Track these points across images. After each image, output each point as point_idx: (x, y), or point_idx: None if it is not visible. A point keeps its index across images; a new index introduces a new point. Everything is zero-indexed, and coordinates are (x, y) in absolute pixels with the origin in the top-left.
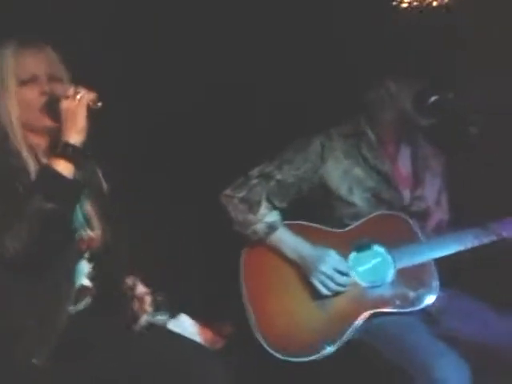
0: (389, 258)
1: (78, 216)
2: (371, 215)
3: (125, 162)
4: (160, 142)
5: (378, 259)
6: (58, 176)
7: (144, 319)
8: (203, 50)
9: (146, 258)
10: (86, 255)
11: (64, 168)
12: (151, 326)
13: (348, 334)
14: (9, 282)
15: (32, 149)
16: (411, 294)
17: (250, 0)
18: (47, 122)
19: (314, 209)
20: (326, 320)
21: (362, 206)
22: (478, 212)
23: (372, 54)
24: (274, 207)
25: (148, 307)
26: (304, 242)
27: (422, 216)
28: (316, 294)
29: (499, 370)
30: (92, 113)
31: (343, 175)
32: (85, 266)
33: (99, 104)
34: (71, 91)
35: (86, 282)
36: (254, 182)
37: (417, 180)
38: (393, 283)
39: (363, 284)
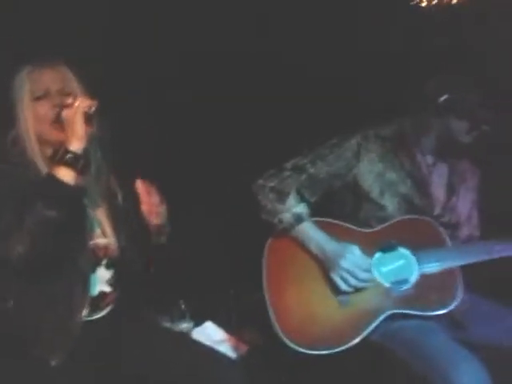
0: (414, 260)
1: (93, 223)
2: (400, 218)
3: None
4: (188, 136)
5: (403, 261)
6: (58, 183)
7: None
8: (241, 45)
9: (171, 266)
10: (104, 262)
11: (64, 175)
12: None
13: (366, 333)
14: (24, 286)
15: (46, 161)
16: (433, 298)
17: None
18: (58, 136)
19: (342, 207)
20: (345, 316)
21: (392, 211)
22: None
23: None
24: (303, 200)
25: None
26: (328, 237)
27: (452, 228)
28: (337, 290)
29: None
30: (89, 119)
31: (376, 178)
32: (104, 273)
33: (93, 109)
34: (70, 100)
35: (106, 288)
36: (287, 173)
37: (451, 192)
38: (416, 286)
39: (386, 284)
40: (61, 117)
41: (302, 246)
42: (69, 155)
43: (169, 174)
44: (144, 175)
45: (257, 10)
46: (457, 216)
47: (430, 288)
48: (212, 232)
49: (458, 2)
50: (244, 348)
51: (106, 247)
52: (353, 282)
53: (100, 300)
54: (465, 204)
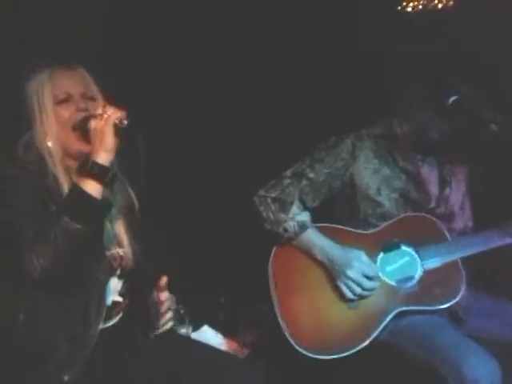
0: (416, 257)
1: (110, 234)
2: (399, 217)
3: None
4: (189, 148)
5: (406, 259)
6: (85, 196)
7: (166, 321)
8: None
9: (170, 270)
10: (117, 272)
11: (92, 188)
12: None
13: (377, 333)
14: (40, 300)
15: (68, 171)
16: (439, 293)
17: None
18: (83, 146)
19: (341, 209)
20: (354, 319)
21: (389, 206)
22: (499, 217)
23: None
24: (306, 207)
25: (167, 312)
26: (333, 243)
27: (447, 219)
28: (344, 295)
29: None
30: (120, 132)
31: (372, 174)
32: (116, 283)
33: (125, 122)
34: (99, 110)
35: (118, 298)
36: (287, 181)
37: (443, 183)
38: (421, 282)
39: (391, 283)
40: (86, 125)
41: (308, 253)
42: (97, 168)
43: (169, 183)
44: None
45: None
46: (451, 207)
47: (434, 283)
48: (211, 240)
49: (443, 7)
50: (243, 352)
51: (121, 258)
52: (358, 291)
53: (112, 309)
54: (457, 195)
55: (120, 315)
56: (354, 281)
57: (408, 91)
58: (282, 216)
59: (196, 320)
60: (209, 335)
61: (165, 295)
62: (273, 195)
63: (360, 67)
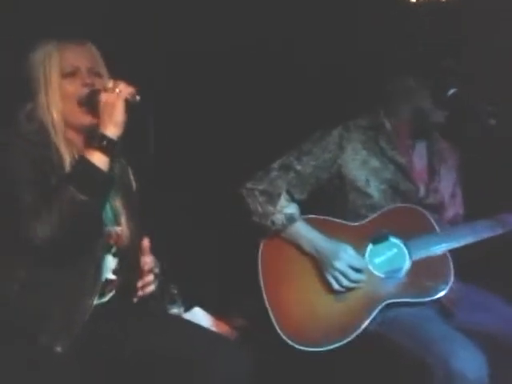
0: (405, 249)
1: (108, 211)
2: (387, 208)
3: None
4: (183, 139)
5: (395, 250)
6: (92, 168)
7: (147, 282)
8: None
9: (161, 250)
10: (113, 250)
11: (99, 160)
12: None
13: (365, 325)
14: (36, 271)
15: (70, 144)
16: (427, 284)
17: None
18: (86, 120)
19: (330, 200)
20: (342, 311)
21: (378, 198)
22: (491, 205)
23: (390, 48)
24: (293, 200)
25: (148, 274)
26: (321, 236)
27: (437, 208)
28: (331, 287)
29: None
30: (130, 107)
31: (361, 166)
32: (111, 261)
33: (138, 98)
34: (110, 84)
35: (111, 276)
36: (275, 174)
37: (432, 173)
38: (409, 274)
39: (380, 275)
40: (92, 99)
41: (296, 245)
42: (106, 141)
43: (164, 174)
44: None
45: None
46: (440, 196)
47: (422, 275)
48: (206, 224)
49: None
50: (233, 334)
51: (117, 235)
52: (345, 282)
53: (105, 287)
54: (447, 184)
55: (113, 293)
56: (340, 272)
57: (396, 82)
58: (270, 208)
59: (187, 301)
60: (199, 316)
61: (148, 258)
62: (260, 188)
63: (350, 59)
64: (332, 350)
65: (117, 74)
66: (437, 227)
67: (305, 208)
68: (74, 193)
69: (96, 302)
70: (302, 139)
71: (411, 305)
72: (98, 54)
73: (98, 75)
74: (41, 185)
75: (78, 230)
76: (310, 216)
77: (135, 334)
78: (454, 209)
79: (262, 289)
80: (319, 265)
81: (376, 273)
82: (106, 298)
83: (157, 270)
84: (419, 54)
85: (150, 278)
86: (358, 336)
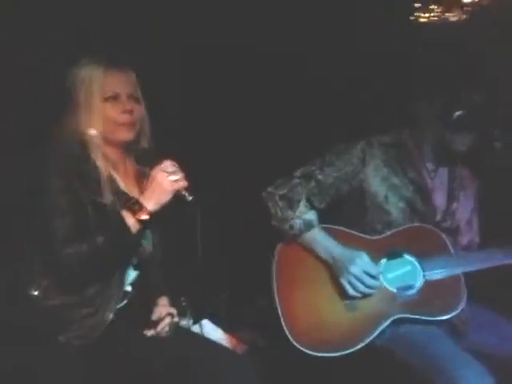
0: (419, 267)
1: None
2: (405, 226)
3: None
4: (199, 141)
5: (408, 268)
6: (125, 229)
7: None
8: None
9: (173, 262)
10: (135, 262)
11: (132, 225)
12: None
13: (372, 336)
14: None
15: (106, 158)
16: (438, 304)
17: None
18: (123, 136)
19: (348, 212)
20: (352, 320)
21: (396, 215)
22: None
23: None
24: (313, 207)
25: (163, 328)
26: (337, 244)
27: (453, 233)
28: (345, 295)
29: None
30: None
31: (381, 182)
32: (131, 273)
33: (190, 198)
34: (171, 168)
35: (128, 288)
36: (296, 181)
37: (451, 197)
38: (421, 291)
39: (391, 289)
40: (133, 121)
41: (312, 251)
42: (143, 211)
43: None
44: None
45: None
46: (457, 221)
47: (434, 294)
48: (215, 235)
49: (457, 18)
50: (243, 348)
51: (143, 249)
52: (361, 287)
53: (121, 299)
54: (465, 210)
55: (125, 301)
56: (356, 277)
57: (421, 104)
58: (289, 213)
59: (197, 313)
60: (208, 329)
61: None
62: (280, 192)
63: (376, 76)
64: (340, 360)
65: None
66: (452, 250)
67: (323, 218)
68: (101, 243)
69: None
70: (325, 150)
71: (421, 322)
72: (136, 81)
73: (137, 100)
74: (75, 212)
75: (100, 270)
76: (329, 226)
77: (142, 344)
78: (470, 236)
79: (275, 291)
80: (334, 271)
81: (388, 287)
82: (120, 305)
83: (176, 320)
84: (434, 76)
85: (167, 321)
86: (366, 349)
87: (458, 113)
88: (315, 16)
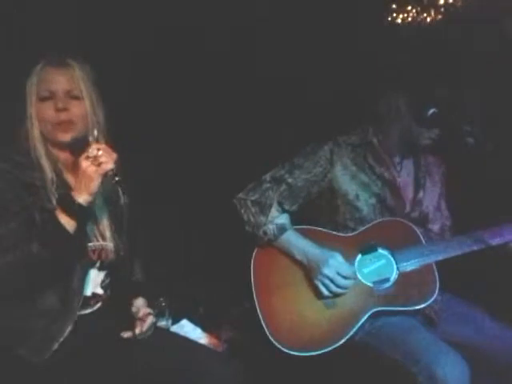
0: (392, 260)
1: (92, 226)
2: (376, 221)
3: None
4: (172, 149)
5: (383, 261)
6: (60, 229)
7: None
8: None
9: (151, 263)
10: (97, 264)
11: (67, 223)
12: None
13: (352, 332)
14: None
15: (53, 160)
16: (413, 294)
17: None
18: (62, 137)
19: (320, 212)
20: (331, 318)
21: (367, 211)
22: (475, 218)
23: (378, 67)
24: (284, 210)
25: (148, 328)
26: (311, 244)
27: (423, 222)
28: (320, 293)
29: (492, 373)
30: (106, 178)
31: (350, 180)
32: (96, 275)
33: (116, 179)
34: (93, 152)
35: (99, 291)
36: (266, 185)
37: (418, 187)
38: (396, 284)
39: (368, 284)
40: (68, 119)
41: (287, 253)
42: (76, 206)
43: (155, 183)
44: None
45: None
46: (425, 209)
47: (409, 285)
48: (196, 236)
49: (432, 20)
50: (221, 347)
51: (101, 250)
52: (333, 288)
53: (91, 299)
54: (432, 197)
55: (99, 304)
56: (329, 278)
57: (384, 101)
58: (262, 219)
59: (176, 314)
60: (188, 329)
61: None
62: (252, 198)
63: (341, 76)
64: (320, 356)
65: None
66: (423, 240)
67: (296, 219)
68: (38, 249)
69: (83, 311)
70: (294, 153)
71: (397, 314)
72: (79, 75)
73: (76, 98)
74: (13, 221)
75: (59, 246)
76: (302, 226)
77: (119, 346)
78: (441, 221)
79: (254, 295)
80: (309, 272)
81: (365, 282)
82: (93, 309)
83: (154, 320)
84: (406, 74)
85: (149, 321)
86: (345, 344)
87: (431, 110)
88: (286, 15)
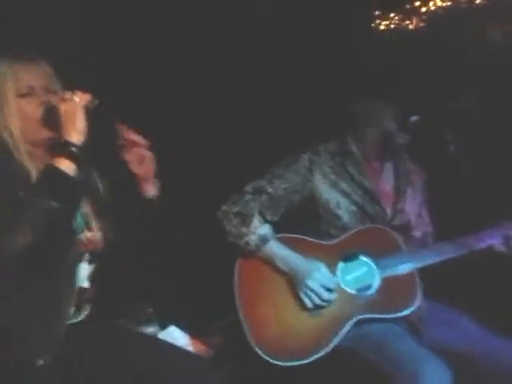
0: (374, 267)
1: (77, 218)
2: (358, 228)
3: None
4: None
5: (365, 268)
6: (62, 175)
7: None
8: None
9: (137, 270)
10: (87, 257)
11: (67, 167)
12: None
13: (337, 340)
14: (11, 285)
15: (33, 157)
16: (396, 301)
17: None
18: (46, 134)
19: (302, 221)
20: (316, 326)
21: (348, 219)
22: (456, 225)
23: (356, 73)
24: (266, 221)
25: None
26: (294, 254)
27: (404, 229)
28: (306, 306)
29: (476, 378)
30: (90, 113)
31: (330, 189)
32: (86, 268)
33: (96, 102)
34: (68, 94)
35: (85, 284)
36: (248, 197)
37: (399, 194)
38: (379, 291)
39: (351, 291)
40: (52, 115)
41: (270, 263)
42: (71, 147)
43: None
44: None
45: None
46: (407, 217)
47: (392, 292)
48: (184, 242)
49: (415, 27)
50: (209, 353)
51: (89, 241)
52: (317, 301)
53: (80, 296)
54: (413, 205)
55: (87, 310)
56: (313, 291)
57: (361, 106)
58: (244, 230)
59: (163, 320)
60: (175, 335)
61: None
62: (234, 210)
63: (320, 83)
64: (305, 366)
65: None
66: (404, 247)
67: (278, 228)
68: (45, 201)
69: (71, 320)
70: (274, 162)
71: (381, 321)
72: (51, 71)
73: (54, 92)
74: (9, 199)
75: (51, 239)
76: (283, 235)
77: (107, 353)
78: (423, 228)
79: (238, 306)
80: (293, 282)
81: (347, 289)
82: (81, 317)
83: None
84: (384, 78)
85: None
86: (331, 351)
87: (413, 117)
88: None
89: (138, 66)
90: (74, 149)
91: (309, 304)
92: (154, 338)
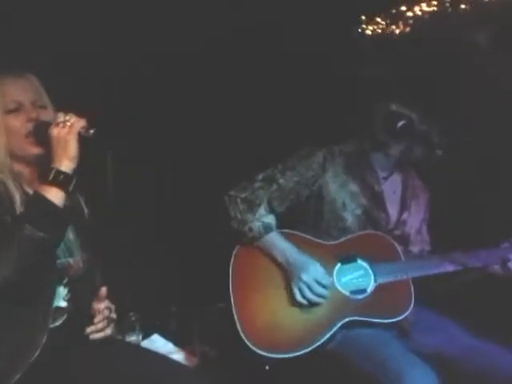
0: (371, 272)
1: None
2: (359, 233)
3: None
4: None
5: (361, 272)
6: (49, 204)
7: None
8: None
9: (121, 278)
10: (65, 281)
11: (55, 196)
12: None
13: (326, 338)
14: None
15: (18, 178)
16: (388, 307)
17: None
18: (33, 150)
19: (305, 217)
20: (306, 322)
21: (351, 222)
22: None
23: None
24: (273, 210)
25: (100, 322)
26: (294, 248)
27: (404, 241)
28: (295, 297)
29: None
30: (83, 140)
31: (339, 189)
32: (62, 290)
33: (91, 131)
34: (61, 118)
35: (62, 304)
36: (258, 184)
37: (403, 206)
38: (373, 295)
39: (345, 293)
40: (41, 132)
41: (269, 254)
42: (61, 176)
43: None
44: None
45: None
46: (408, 230)
47: (385, 298)
48: (163, 248)
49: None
50: (194, 361)
51: (69, 266)
52: (308, 294)
53: (55, 313)
54: (415, 220)
55: (64, 317)
56: (306, 284)
57: (371, 112)
58: (249, 216)
59: (146, 328)
60: (159, 344)
61: (102, 305)
62: (242, 195)
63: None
64: (292, 368)
65: (65, 105)
66: (402, 256)
67: (282, 222)
68: (31, 230)
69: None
70: (287, 155)
71: (371, 325)
72: (39, 85)
73: (43, 108)
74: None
75: (36, 267)
76: (286, 230)
77: (87, 360)
78: (421, 245)
79: (231, 293)
80: (288, 276)
81: (342, 290)
82: (58, 323)
83: (113, 316)
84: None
85: (100, 325)
86: (317, 354)
87: (401, 122)
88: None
89: (137, 66)
90: (64, 178)
91: (298, 297)
92: (136, 347)
